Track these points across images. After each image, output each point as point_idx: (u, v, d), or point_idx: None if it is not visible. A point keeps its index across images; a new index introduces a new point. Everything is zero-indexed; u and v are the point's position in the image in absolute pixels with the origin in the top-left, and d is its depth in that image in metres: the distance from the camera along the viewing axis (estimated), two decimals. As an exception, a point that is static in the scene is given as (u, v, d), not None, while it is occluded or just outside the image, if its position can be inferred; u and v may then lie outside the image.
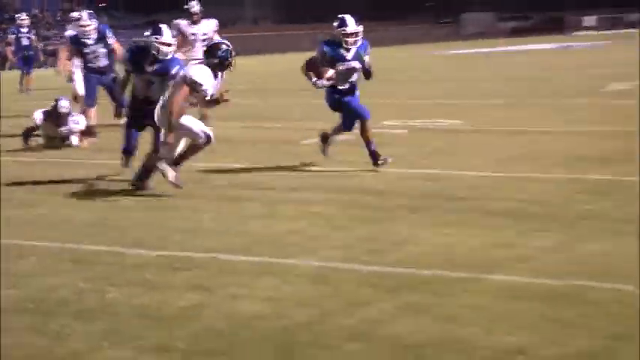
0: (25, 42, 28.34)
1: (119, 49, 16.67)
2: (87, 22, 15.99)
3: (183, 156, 10.31)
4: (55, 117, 14.52)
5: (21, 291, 6.77)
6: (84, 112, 15.58)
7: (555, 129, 14.98)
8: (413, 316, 5.76)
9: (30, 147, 14.71)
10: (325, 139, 11.95)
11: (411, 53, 51.92)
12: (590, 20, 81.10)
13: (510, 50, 48.93)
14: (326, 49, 11.53)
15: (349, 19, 11.57)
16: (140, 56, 11.11)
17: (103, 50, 15.98)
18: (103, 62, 16.07)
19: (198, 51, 16.01)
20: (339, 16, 11.83)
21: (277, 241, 8.04)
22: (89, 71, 16.14)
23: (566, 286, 6.22)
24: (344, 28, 11.48)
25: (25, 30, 28.74)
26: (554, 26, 78.81)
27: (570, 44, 52.42)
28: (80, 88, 16.40)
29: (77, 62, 16.56)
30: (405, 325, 5.57)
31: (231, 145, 13.79)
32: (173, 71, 10.90)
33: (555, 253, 7.16)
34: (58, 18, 57.59)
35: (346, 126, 11.97)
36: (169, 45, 11.06)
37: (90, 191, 11.05)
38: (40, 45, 33.33)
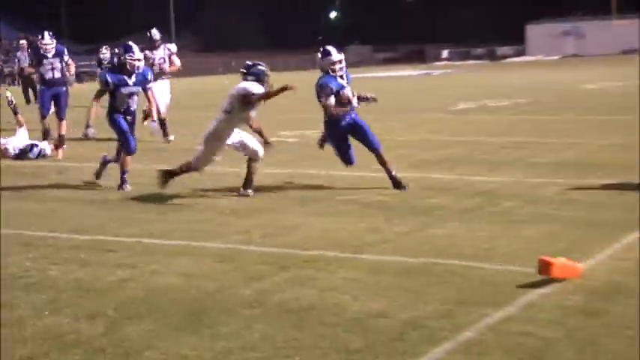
0: None
1: (72, 64, 16.78)
2: (48, 40, 15.65)
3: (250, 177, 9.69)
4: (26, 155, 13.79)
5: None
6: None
7: (414, 138, 15.23)
8: (298, 287, 5.84)
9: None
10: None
11: (305, 77, 51.95)
12: (445, 53, 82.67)
13: (382, 75, 49.44)
14: (328, 82, 10.16)
15: (331, 48, 10.47)
16: (122, 72, 10.56)
17: (59, 65, 15.55)
18: (57, 74, 15.56)
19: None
20: (322, 48, 10.63)
21: (191, 228, 8.03)
22: (45, 84, 15.68)
23: (419, 262, 6.36)
24: (329, 57, 10.30)
25: None
26: (418, 57, 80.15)
27: (430, 71, 53.23)
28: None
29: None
30: (292, 294, 5.65)
31: (168, 152, 13.83)
32: (149, 77, 10.97)
33: (411, 236, 7.32)
34: (14, 45, 56.60)
35: (347, 158, 10.30)
36: (140, 60, 10.77)
37: (39, 187, 10.88)
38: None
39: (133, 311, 5.40)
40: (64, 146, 14.69)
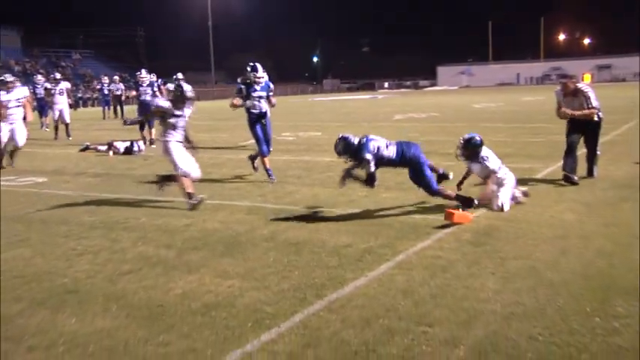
0: None
1: (164, 90, 15.49)
2: (145, 75, 15.03)
3: None
4: (130, 151, 13.16)
5: (105, 216, 6.66)
6: None
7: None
8: (297, 229, 5.86)
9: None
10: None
11: (298, 99, 51.87)
12: (386, 84, 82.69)
13: (347, 98, 49.28)
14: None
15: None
16: (251, 85, 8.72)
17: (150, 91, 14.86)
18: (149, 97, 14.58)
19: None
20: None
21: (228, 193, 8.01)
22: (140, 104, 14.79)
23: (373, 214, 6.38)
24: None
25: None
26: (369, 86, 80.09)
27: (376, 96, 53.09)
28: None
29: None
30: (292, 233, 5.67)
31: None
32: (271, 86, 9.04)
33: (368, 198, 7.22)
34: (100, 79, 53.93)
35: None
36: (262, 77, 8.78)
37: (133, 168, 10.74)
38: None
39: (193, 244, 5.43)
40: (154, 145, 14.37)
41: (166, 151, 7.09)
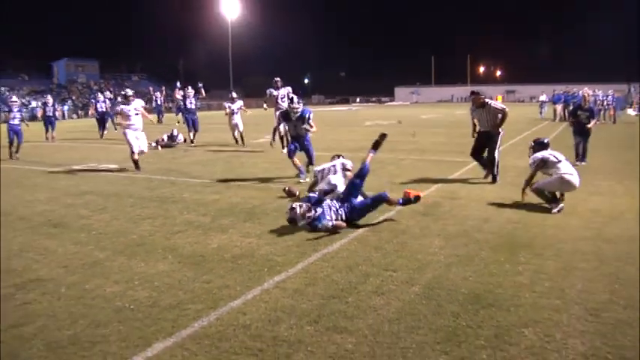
0: None
1: (202, 94, 14.63)
2: (191, 91, 14.09)
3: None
4: (174, 140, 13.00)
5: (159, 192, 6.63)
6: None
7: (347, 138, 15.02)
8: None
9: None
10: None
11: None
12: (358, 99, 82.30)
13: (329, 109, 48.96)
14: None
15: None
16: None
17: (194, 100, 13.91)
18: (193, 106, 13.79)
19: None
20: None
21: (246, 176, 7.90)
22: (187, 111, 13.92)
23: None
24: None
25: None
26: (345, 101, 79.68)
27: (351, 108, 52.78)
28: None
29: None
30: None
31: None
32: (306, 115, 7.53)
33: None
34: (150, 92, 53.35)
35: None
36: (298, 104, 7.52)
37: (176, 158, 10.62)
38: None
39: (223, 213, 5.43)
40: (193, 144, 13.66)
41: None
